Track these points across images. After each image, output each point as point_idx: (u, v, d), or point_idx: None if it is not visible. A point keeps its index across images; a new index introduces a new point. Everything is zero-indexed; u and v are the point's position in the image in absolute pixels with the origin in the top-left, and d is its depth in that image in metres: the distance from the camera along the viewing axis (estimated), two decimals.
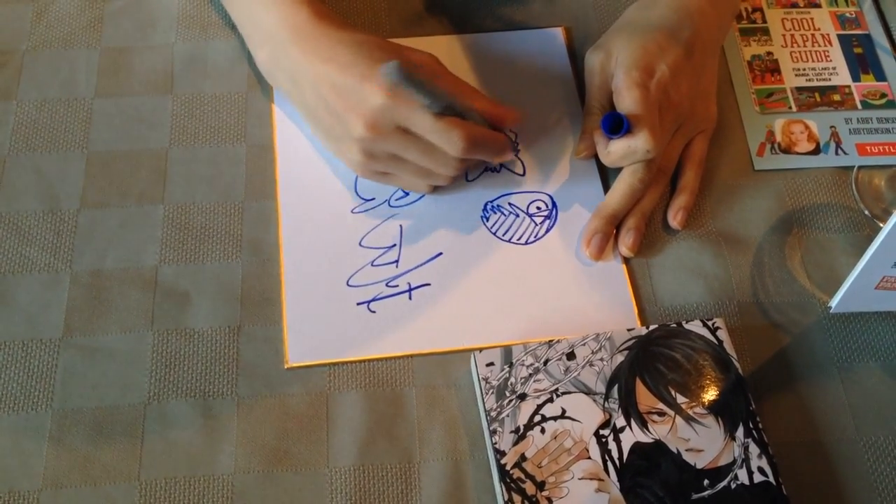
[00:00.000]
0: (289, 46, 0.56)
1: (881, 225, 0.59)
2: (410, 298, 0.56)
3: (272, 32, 0.57)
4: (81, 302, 0.55)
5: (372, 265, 0.57)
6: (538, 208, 0.60)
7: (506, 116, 0.57)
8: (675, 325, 0.54)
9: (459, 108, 0.54)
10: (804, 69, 0.68)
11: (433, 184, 0.59)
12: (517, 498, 0.48)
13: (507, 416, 0.51)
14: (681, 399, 0.51)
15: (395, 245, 0.58)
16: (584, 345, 0.53)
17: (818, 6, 0.71)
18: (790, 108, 0.66)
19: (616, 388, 0.51)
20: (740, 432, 0.50)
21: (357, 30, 0.57)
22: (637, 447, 0.50)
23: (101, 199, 0.59)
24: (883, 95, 0.66)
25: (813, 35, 0.69)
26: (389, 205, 0.60)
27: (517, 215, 0.60)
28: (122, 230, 0.58)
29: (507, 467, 0.49)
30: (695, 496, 0.48)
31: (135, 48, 0.65)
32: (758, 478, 0.49)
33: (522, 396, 0.51)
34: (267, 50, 0.59)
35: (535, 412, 0.51)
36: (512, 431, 0.50)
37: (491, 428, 0.50)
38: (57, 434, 0.51)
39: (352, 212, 0.60)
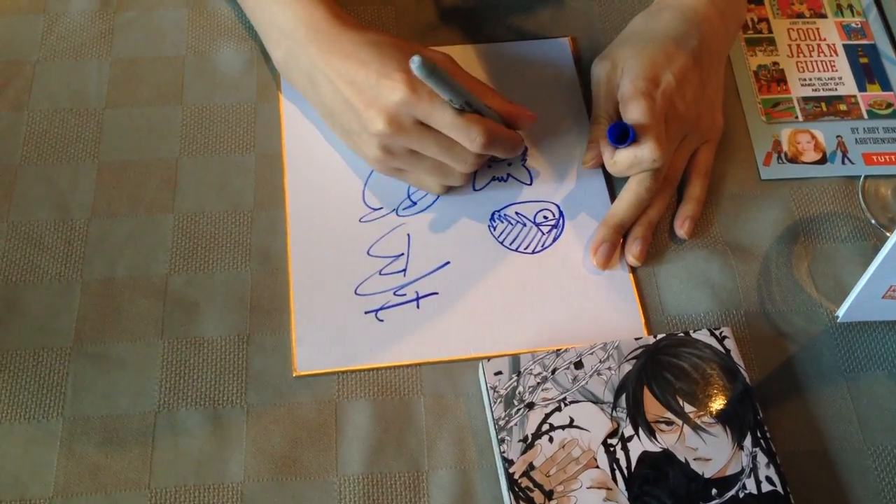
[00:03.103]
0: (306, 45, 0.57)
1: (888, 234, 0.60)
2: (418, 307, 0.57)
3: (288, 31, 0.58)
4: (92, 311, 0.55)
5: (380, 274, 0.58)
6: (545, 217, 0.61)
7: (521, 116, 0.58)
8: (682, 335, 0.54)
9: (478, 105, 0.54)
10: (810, 79, 0.68)
11: (448, 183, 0.59)
12: None
13: (516, 425, 0.51)
14: (689, 408, 0.51)
15: (402, 254, 0.59)
16: (591, 354, 0.53)
17: (824, 16, 0.71)
18: (796, 117, 0.66)
19: (624, 397, 0.51)
20: (748, 441, 0.50)
21: (372, 30, 0.58)
22: (645, 456, 0.50)
23: (111, 208, 0.59)
24: (889, 105, 0.67)
25: (819, 45, 0.70)
26: (397, 214, 0.60)
27: (524, 224, 0.60)
28: (132, 239, 0.58)
29: (516, 476, 0.49)
30: None
31: (145, 59, 0.65)
32: (766, 487, 0.49)
33: (530, 405, 0.51)
34: (283, 48, 0.60)
35: (543, 421, 0.51)
36: (520, 440, 0.50)
37: (499, 437, 0.50)
38: (68, 442, 0.51)
39: (360, 221, 0.60)
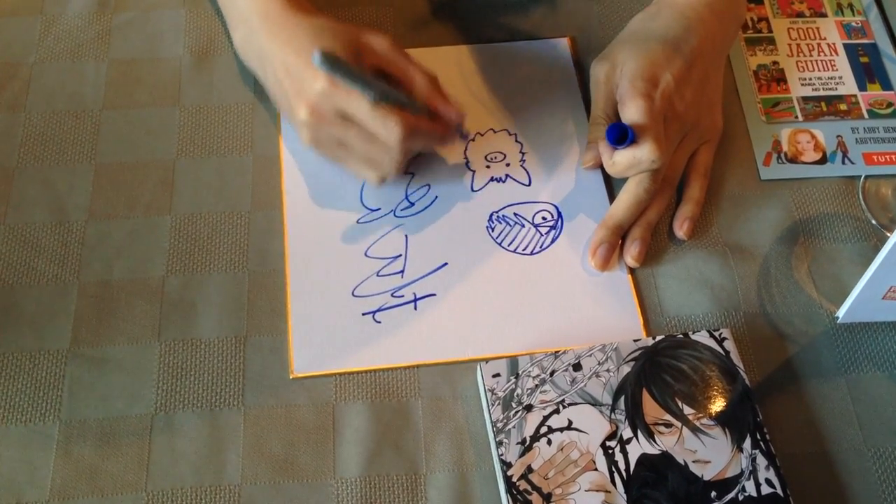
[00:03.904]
0: (258, 30, 0.58)
1: (888, 235, 0.59)
2: (416, 309, 0.56)
3: (245, 16, 0.59)
4: (89, 313, 0.55)
5: (377, 275, 0.58)
6: (543, 218, 0.60)
7: (445, 114, 0.57)
8: (681, 336, 0.54)
9: (397, 98, 0.54)
10: (810, 78, 0.67)
11: (380, 174, 0.58)
12: None
13: (514, 427, 0.50)
14: (688, 410, 0.51)
15: (400, 255, 0.58)
16: (590, 356, 0.53)
17: (824, 15, 0.71)
18: (796, 117, 0.66)
19: (622, 399, 0.51)
20: (748, 443, 0.50)
21: (324, 17, 0.58)
22: (644, 459, 0.50)
23: (108, 210, 0.59)
24: (889, 104, 0.66)
25: (819, 44, 0.69)
26: (395, 215, 0.60)
27: (522, 225, 0.60)
28: (129, 241, 0.58)
29: (514, 479, 0.49)
30: None
31: (142, 60, 0.65)
32: (766, 489, 0.49)
33: (529, 408, 0.51)
34: (241, 32, 0.61)
35: (542, 423, 0.50)
36: (518, 443, 0.50)
37: (497, 439, 0.50)
38: (64, 444, 0.51)
39: (357, 222, 0.60)
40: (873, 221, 0.60)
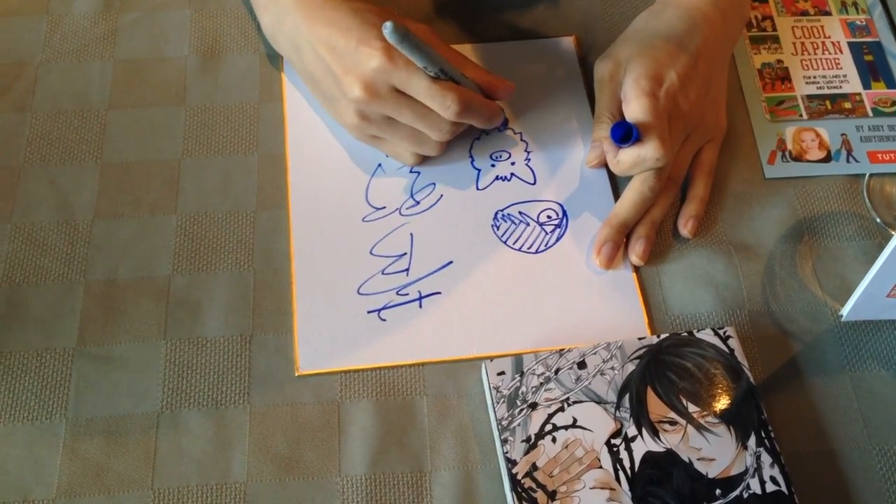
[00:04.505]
0: (292, 11, 0.58)
1: (893, 233, 0.59)
2: (421, 307, 0.57)
3: None
4: (95, 311, 0.56)
5: (383, 273, 0.58)
6: (548, 217, 0.61)
7: (498, 86, 0.59)
8: (685, 334, 0.54)
9: (453, 74, 0.55)
10: (815, 77, 0.67)
11: (423, 152, 0.60)
12: None
13: (518, 425, 0.51)
14: (692, 408, 0.51)
15: (405, 253, 0.59)
16: (594, 354, 0.53)
17: (828, 14, 0.71)
18: (801, 115, 0.66)
19: (627, 397, 0.51)
20: (752, 441, 0.50)
21: (359, 0, 0.58)
22: (649, 456, 0.50)
23: (114, 209, 0.59)
24: (894, 103, 0.66)
25: (823, 43, 0.69)
26: (400, 213, 0.60)
27: (527, 224, 0.60)
28: (135, 240, 0.58)
29: (519, 477, 0.49)
30: None
31: (148, 60, 0.66)
32: (770, 487, 0.49)
33: (533, 406, 0.51)
34: (271, 14, 0.61)
35: (547, 421, 0.51)
36: (523, 441, 0.50)
37: (502, 437, 0.50)
38: (71, 443, 0.51)
39: (363, 220, 0.60)
40: (878, 219, 0.60)
